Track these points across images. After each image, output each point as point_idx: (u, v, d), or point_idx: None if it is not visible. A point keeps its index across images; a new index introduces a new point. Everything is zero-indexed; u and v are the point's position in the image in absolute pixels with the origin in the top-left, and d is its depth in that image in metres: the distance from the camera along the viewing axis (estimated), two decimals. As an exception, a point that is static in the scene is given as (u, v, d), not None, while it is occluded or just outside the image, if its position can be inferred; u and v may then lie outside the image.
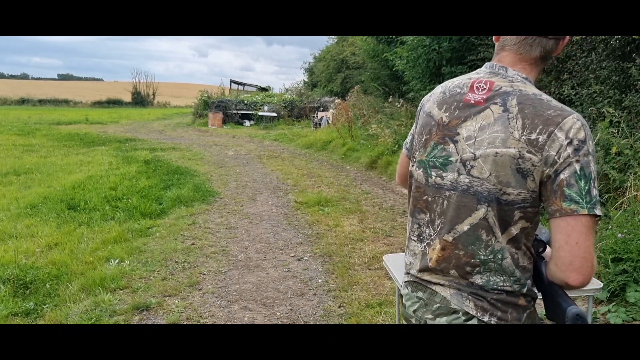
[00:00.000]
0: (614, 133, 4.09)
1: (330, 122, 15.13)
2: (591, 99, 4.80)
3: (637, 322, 2.77)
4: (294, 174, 8.62)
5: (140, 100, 47.16)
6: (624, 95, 4.51)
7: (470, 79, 1.20)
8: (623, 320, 2.79)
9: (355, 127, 11.80)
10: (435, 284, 1.22)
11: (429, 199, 1.21)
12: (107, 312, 3.15)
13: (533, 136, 1.04)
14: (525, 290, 1.15)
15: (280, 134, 16.29)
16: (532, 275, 1.19)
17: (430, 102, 1.27)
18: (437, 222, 1.20)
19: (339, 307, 3.30)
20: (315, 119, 17.64)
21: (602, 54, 4.99)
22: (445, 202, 1.17)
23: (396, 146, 8.95)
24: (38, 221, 5.15)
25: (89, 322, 3.00)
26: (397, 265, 2.23)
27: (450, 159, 1.16)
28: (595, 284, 2.05)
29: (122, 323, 3.03)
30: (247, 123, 20.77)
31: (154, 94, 49.39)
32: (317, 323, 3.08)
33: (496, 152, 1.07)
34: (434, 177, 1.20)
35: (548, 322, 1.30)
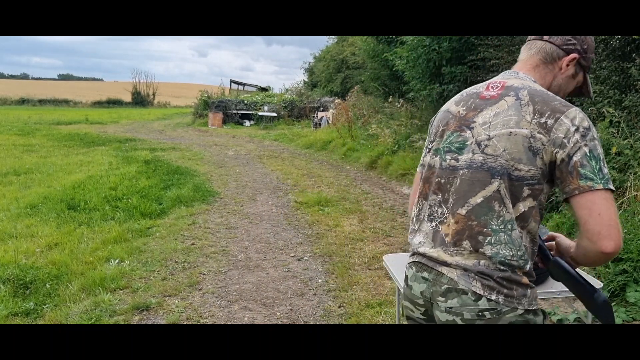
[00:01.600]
0: (614, 133, 4.08)
1: (330, 122, 15.13)
2: (591, 99, 4.80)
3: (637, 322, 2.78)
4: (294, 174, 8.62)
5: (140, 100, 47.15)
6: (624, 95, 4.50)
7: (485, 83, 1.34)
8: (623, 320, 2.79)
9: (355, 127, 11.79)
10: (441, 264, 1.25)
11: (442, 180, 1.29)
12: (107, 312, 3.15)
13: (542, 120, 1.16)
14: (527, 268, 1.21)
15: (280, 134, 16.29)
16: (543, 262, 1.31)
17: (448, 103, 1.40)
18: (450, 200, 1.27)
19: (339, 307, 3.30)
20: (315, 119, 17.64)
21: (602, 54, 4.99)
22: (458, 180, 1.25)
23: (396, 146, 8.95)
24: (38, 221, 5.15)
25: (89, 322, 3.00)
26: (397, 265, 2.23)
27: (466, 143, 1.26)
28: (595, 283, 2.05)
29: (122, 323, 3.03)
30: (247, 123, 20.77)
31: (154, 94, 49.38)
32: (317, 323, 3.08)
33: (510, 132, 1.18)
34: (448, 160, 1.29)
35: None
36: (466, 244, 1.22)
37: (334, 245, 4.57)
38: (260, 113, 20.86)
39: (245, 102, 22.03)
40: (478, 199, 1.21)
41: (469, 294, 1.20)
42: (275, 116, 20.69)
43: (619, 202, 3.65)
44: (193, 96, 27.43)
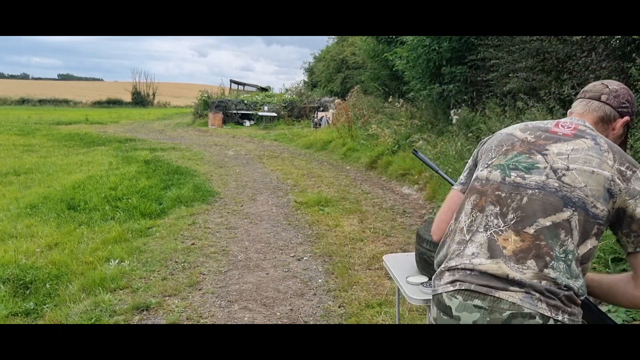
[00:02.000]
0: (614, 133, 4.09)
1: (330, 122, 15.13)
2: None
3: (637, 322, 2.77)
4: (294, 174, 8.62)
5: (140, 100, 47.13)
6: (624, 95, 4.50)
7: (552, 121, 1.37)
8: (623, 320, 2.79)
9: (355, 127, 11.79)
10: (498, 288, 1.18)
11: (503, 194, 1.28)
12: (107, 312, 3.15)
13: (622, 168, 1.23)
14: (583, 297, 1.23)
15: (280, 134, 16.29)
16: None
17: (509, 129, 1.42)
18: (510, 215, 1.25)
19: (339, 307, 3.30)
20: (315, 119, 17.63)
21: (602, 54, 4.99)
22: (526, 198, 1.25)
23: (396, 146, 8.94)
24: (38, 221, 5.15)
25: (89, 322, 3.00)
26: (397, 265, 2.23)
27: (537, 165, 1.27)
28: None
29: (122, 323, 3.03)
30: (247, 123, 20.76)
31: (154, 94, 49.35)
32: (317, 323, 3.08)
33: (593, 171, 1.22)
34: (512, 177, 1.29)
35: None
36: (531, 263, 1.19)
37: (334, 245, 4.57)
38: (260, 113, 20.86)
39: (245, 102, 22.02)
40: (547, 222, 1.21)
41: (537, 317, 1.15)
42: (275, 116, 20.69)
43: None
44: (193, 96, 27.41)
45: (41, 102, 42.52)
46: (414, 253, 2.19)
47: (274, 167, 9.46)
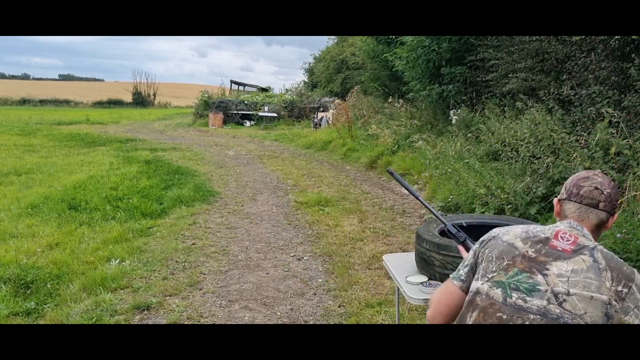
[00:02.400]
0: (613, 133, 4.09)
1: (330, 122, 15.13)
2: (590, 99, 4.80)
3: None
4: (294, 174, 8.63)
5: (140, 100, 47.12)
6: (623, 95, 4.50)
7: (552, 229, 1.38)
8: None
9: (355, 128, 11.79)
10: None
11: (504, 317, 1.29)
12: (108, 312, 3.15)
13: (619, 288, 1.26)
14: None
15: (280, 134, 16.29)
16: None
17: (510, 235, 1.41)
18: None
19: (339, 306, 3.30)
20: (316, 119, 17.63)
21: (601, 54, 4.99)
22: (527, 323, 1.27)
23: (396, 146, 8.95)
24: (39, 221, 5.15)
25: (90, 322, 3.01)
26: (396, 265, 2.24)
27: (538, 287, 1.28)
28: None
29: (123, 323, 3.03)
30: (248, 123, 20.77)
31: (154, 94, 49.33)
32: (317, 323, 3.08)
33: (592, 296, 1.24)
34: (514, 298, 1.30)
35: None
36: None
37: (334, 245, 4.57)
38: (260, 113, 20.86)
39: (246, 102, 22.02)
40: None
41: None
42: (275, 116, 20.69)
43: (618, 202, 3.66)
44: (193, 96, 27.42)
45: (42, 102, 42.51)
46: (413, 253, 2.19)
47: (274, 167, 9.47)
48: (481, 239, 1.48)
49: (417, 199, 1.96)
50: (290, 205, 6.20)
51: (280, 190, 7.17)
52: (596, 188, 1.37)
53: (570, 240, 1.33)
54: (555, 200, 1.47)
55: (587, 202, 1.38)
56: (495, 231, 1.46)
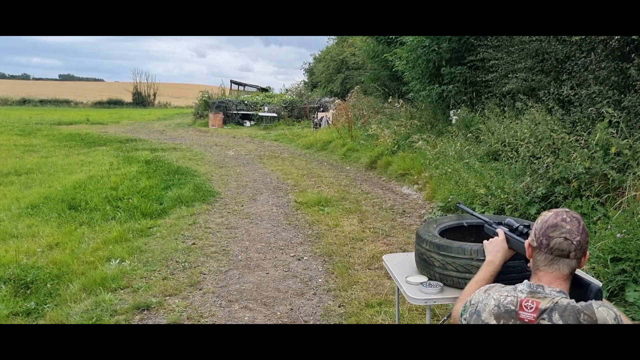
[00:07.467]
0: (613, 133, 4.08)
1: (330, 122, 15.13)
2: (590, 99, 4.80)
3: (637, 322, 2.77)
4: (294, 174, 8.63)
5: (141, 100, 47.13)
6: (623, 95, 4.50)
7: (517, 298, 1.39)
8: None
9: (355, 128, 11.80)
10: None
11: None
12: (108, 312, 3.15)
13: None
14: None
15: (280, 135, 16.29)
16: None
17: (487, 312, 1.42)
18: None
19: (339, 306, 3.30)
20: (315, 120, 17.64)
21: (601, 54, 4.99)
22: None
23: (396, 146, 8.95)
24: (39, 221, 5.15)
25: (90, 322, 3.01)
26: (396, 264, 2.23)
27: None
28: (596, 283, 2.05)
29: (123, 323, 3.03)
30: (248, 123, 20.77)
31: (154, 95, 49.35)
32: (317, 323, 3.08)
33: None
34: None
35: None
36: None
37: (334, 245, 4.57)
38: (260, 113, 20.86)
39: (246, 102, 22.03)
40: None
41: None
42: (275, 116, 20.69)
43: (618, 202, 3.66)
44: (193, 96, 27.42)
45: (42, 102, 42.53)
46: (413, 253, 2.19)
47: (274, 167, 9.47)
48: (465, 306, 1.50)
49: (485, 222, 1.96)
50: (290, 205, 6.20)
51: (280, 191, 7.17)
52: (565, 239, 1.38)
53: (532, 307, 1.35)
54: (526, 243, 1.49)
55: (557, 253, 1.39)
56: (475, 303, 1.47)
